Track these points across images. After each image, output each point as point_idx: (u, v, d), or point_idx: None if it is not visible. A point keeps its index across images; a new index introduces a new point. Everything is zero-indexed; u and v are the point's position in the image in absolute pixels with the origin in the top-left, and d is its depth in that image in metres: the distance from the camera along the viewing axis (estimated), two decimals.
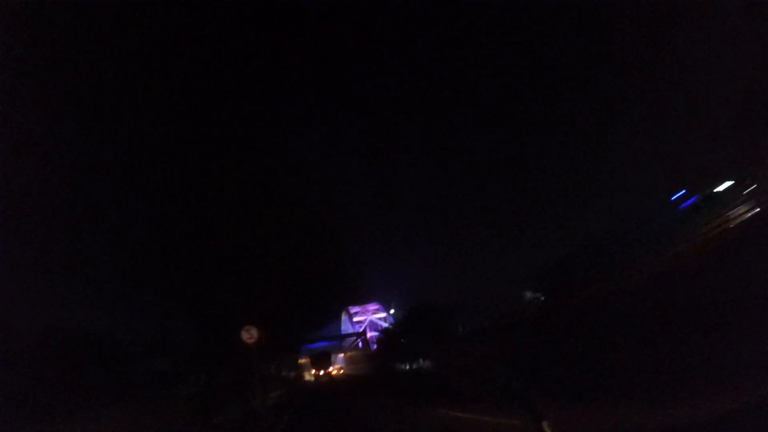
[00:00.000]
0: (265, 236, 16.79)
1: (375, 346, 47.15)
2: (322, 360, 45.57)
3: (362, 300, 59.11)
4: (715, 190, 10.84)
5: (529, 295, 23.80)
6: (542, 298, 22.00)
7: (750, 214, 9.71)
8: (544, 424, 2.49)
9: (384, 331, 36.36)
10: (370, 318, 60.05)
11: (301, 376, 44.27)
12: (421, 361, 21.48)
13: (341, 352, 58.33)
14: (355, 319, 60.33)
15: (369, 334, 54.20)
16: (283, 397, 21.47)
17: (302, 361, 47.03)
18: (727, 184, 10.41)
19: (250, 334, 14.25)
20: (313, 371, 45.07)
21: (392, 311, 54.84)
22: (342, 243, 19.85)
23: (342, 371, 50.43)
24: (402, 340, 21.77)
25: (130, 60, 12.20)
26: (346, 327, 61.56)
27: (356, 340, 57.16)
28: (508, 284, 25.68)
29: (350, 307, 59.63)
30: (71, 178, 11.94)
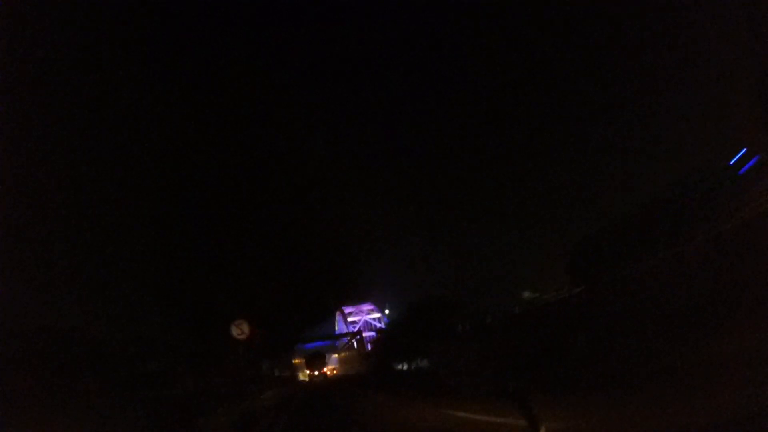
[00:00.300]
0: (259, 230, 16.38)
1: (369, 347, 46.76)
2: (317, 360, 45.30)
3: (356, 300, 58.74)
4: None
5: (527, 294, 23.63)
6: (542, 297, 21.78)
7: None
8: (541, 428, 2.28)
9: (380, 330, 36.03)
10: (364, 318, 59.66)
11: (296, 376, 43.88)
12: (419, 360, 21.14)
13: (335, 353, 57.89)
14: (350, 319, 59.88)
15: (364, 334, 53.81)
16: (278, 398, 20.95)
17: (296, 361, 46.69)
18: None
19: (240, 330, 13.28)
20: (308, 371, 44.72)
21: (387, 311, 54.50)
22: (339, 238, 19.47)
23: (335, 371, 50.06)
24: (399, 339, 21.35)
25: (127, 58, 11.89)
26: (340, 327, 61.13)
27: (351, 340, 56.75)
28: (508, 284, 25.47)
29: (344, 307, 59.21)
30: (60, 175, 11.54)
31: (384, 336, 30.77)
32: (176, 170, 12.93)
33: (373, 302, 59.64)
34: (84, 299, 12.23)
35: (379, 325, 55.12)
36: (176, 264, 13.89)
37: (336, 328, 62.09)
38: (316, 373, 43.36)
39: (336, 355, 57.04)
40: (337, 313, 60.34)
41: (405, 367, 24.36)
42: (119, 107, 12.00)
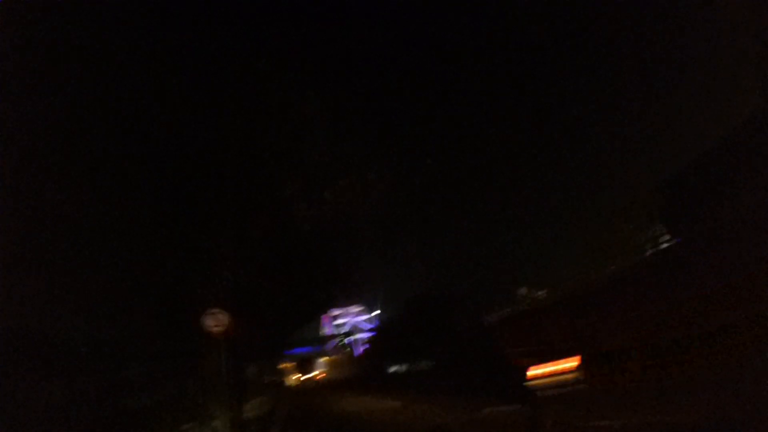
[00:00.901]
0: (252, 224, 15.07)
1: (362, 349, 45.68)
2: (306, 365, 44.73)
3: (346, 302, 57.34)
4: None
5: (524, 291, 23.12)
6: (540, 294, 21.31)
7: None
8: (542, 416, 1.65)
9: (375, 330, 34.89)
10: (353, 320, 58.38)
11: (284, 381, 42.80)
12: (418, 362, 20.24)
13: (324, 356, 56.59)
14: (337, 321, 58.50)
15: (355, 337, 52.64)
16: (265, 407, 19.44)
17: (284, 365, 45.71)
18: None
19: (217, 321, 11.33)
20: (297, 376, 44.06)
21: (377, 312, 53.47)
22: (333, 234, 18.32)
23: (324, 375, 49.15)
24: (398, 340, 20.24)
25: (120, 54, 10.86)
26: (328, 330, 59.65)
27: (340, 342, 55.48)
28: (503, 280, 24.92)
29: (332, 309, 57.78)
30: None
31: (378, 337, 29.74)
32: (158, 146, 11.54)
33: (362, 303, 58.42)
34: (44, 292, 10.47)
35: (368, 326, 53.96)
36: (152, 250, 12.19)
37: (323, 330, 60.72)
38: (306, 377, 42.92)
39: (325, 359, 55.89)
40: (324, 316, 58.92)
41: (403, 369, 23.34)
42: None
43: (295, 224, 16.22)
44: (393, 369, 24.55)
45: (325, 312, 59.79)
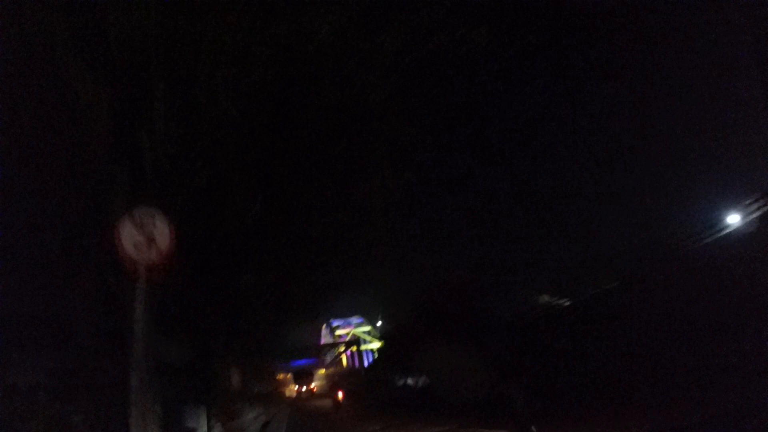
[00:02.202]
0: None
1: (369, 360, 43.87)
2: (304, 376, 44.07)
3: (344, 313, 55.72)
4: None
5: (545, 298, 21.64)
6: (566, 303, 19.61)
7: None
8: None
9: (385, 338, 32.61)
10: (353, 331, 56.62)
11: (281, 392, 41.20)
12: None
13: (322, 368, 54.82)
14: (337, 332, 56.76)
15: (355, 348, 50.77)
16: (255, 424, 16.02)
17: (281, 376, 44.48)
18: None
19: (145, 234, 4.09)
20: (296, 387, 43.27)
21: (379, 324, 51.76)
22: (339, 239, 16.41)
23: (316, 389, 48.00)
24: (418, 344, 17.96)
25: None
26: (327, 341, 57.88)
27: (339, 355, 53.57)
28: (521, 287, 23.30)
29: (332, 320, 56.07)
30: None
31: (386, 346, 27.65)
32: None
33: (362, 315, 56.80)
34: None
35: (369, 338, 52.36)
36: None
37: (322, 341, 59.00)
38: (304, 388, 42.46)
39: (323, 371, 54.25)
40: (323, 326, 57.16)
41: (410, 383, 21.18)
42: None
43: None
44: (402, 383, 22.64)
45: (324, 323, 57.73)
